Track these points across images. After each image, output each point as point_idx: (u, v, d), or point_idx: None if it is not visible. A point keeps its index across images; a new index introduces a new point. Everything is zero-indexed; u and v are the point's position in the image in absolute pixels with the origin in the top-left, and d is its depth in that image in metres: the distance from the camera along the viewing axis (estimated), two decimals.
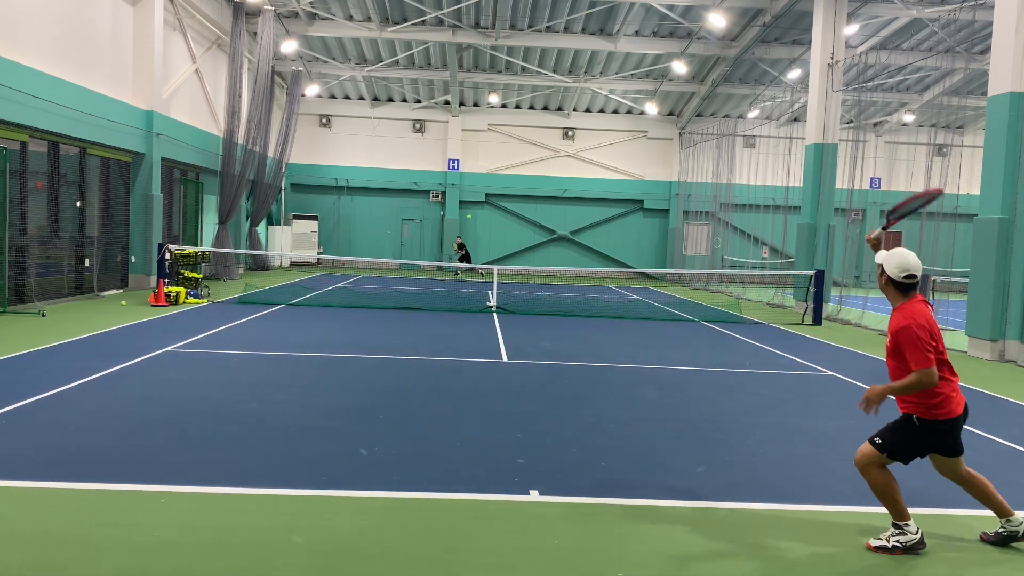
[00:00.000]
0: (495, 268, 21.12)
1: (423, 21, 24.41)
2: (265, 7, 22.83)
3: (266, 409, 7.04)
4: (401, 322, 13.87)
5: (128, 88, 17.58)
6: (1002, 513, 4.45)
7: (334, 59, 28.09)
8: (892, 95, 29.21)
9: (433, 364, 9.81)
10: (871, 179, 31.45)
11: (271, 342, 10.94)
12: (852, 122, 26.17)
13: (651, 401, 8.20)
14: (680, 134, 32.20)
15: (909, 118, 29.83)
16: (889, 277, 4.37)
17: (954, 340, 13.74)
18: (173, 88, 19.78)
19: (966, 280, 13.03)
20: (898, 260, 4.33)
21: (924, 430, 4.33)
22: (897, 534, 4.34)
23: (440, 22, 24.61)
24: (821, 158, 19.38)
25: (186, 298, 15.32)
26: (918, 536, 4.32)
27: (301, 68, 27.44)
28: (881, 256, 4.45)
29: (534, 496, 5.02)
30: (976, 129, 30.32)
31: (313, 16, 24.64)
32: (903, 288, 4.37)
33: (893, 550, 4.30)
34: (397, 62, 28.05)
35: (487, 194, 32.08)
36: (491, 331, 13.12)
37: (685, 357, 11.21)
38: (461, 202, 31.90)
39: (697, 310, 18.79)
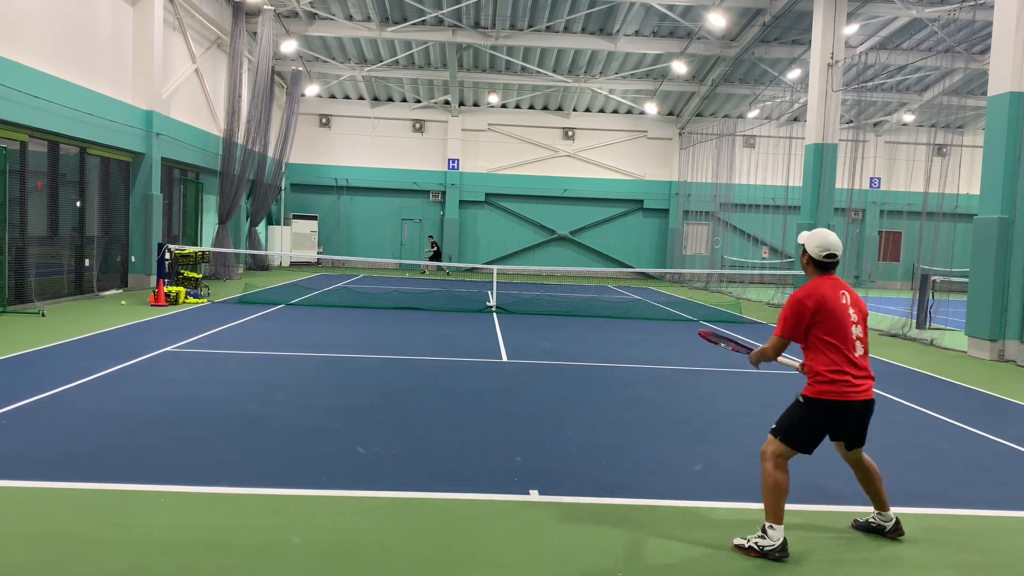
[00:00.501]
0: (495, 268, 21.15)
1: (423, 21, 24.41)
2: (265, 7, 22.83)
3: (266, 409, 7.04)
4: (401, 322, 13.87)
5: (128, 88, 17.58)
6: (881, 507, 4.55)
7: (334, 59, 28.09)
8: (892, 95, 29.21)
9: (433, 364, 9.81)
10: (871, 179, 31.44)
11: (271, 342, 10.94)
12: (852, 122, 26.18)
13: (651, 401, 8.20)
14: (680, 134, 32.20)
15: (909, 118, 29.82)
16: (810, 256, 4.42)
17: (954, 340, 13.75)
18: (173, 88, 19.78)
19: (966, 280, 13.02)
20: (819, 240, 4.39)
21: (808, 406, 4.30)
22: (760, 536, 4.22)
23: (440, 22, 24.61)
24: (821, 158, 19.39)
25: (186, 298, 15.32)
26: (777, 544, 4.17)
27: (301, 68, 27.44)
28: (803, 236, 4.48)
29: (534, 496, 5.02)
30: (976, 129, 30.32)
31: (313, 16, 24.64)
32: (822, 267, 4.41)
33: (749, 551, 4.20)
34: (397, 62, 28.05)
35: (487, 194, 32.08)
36: (491, 331, 13.12)
37: (685, 357, 11.21)
38: (461, 202, 31.90)
39: (697, 310, 18.79)
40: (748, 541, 4.25)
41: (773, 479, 4.26)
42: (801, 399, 4.35)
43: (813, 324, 4.28)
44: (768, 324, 16.14)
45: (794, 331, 4.34)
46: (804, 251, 4.46)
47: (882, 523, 4.55)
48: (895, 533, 4.52)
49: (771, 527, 4.22)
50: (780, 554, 4.17)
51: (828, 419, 4.31)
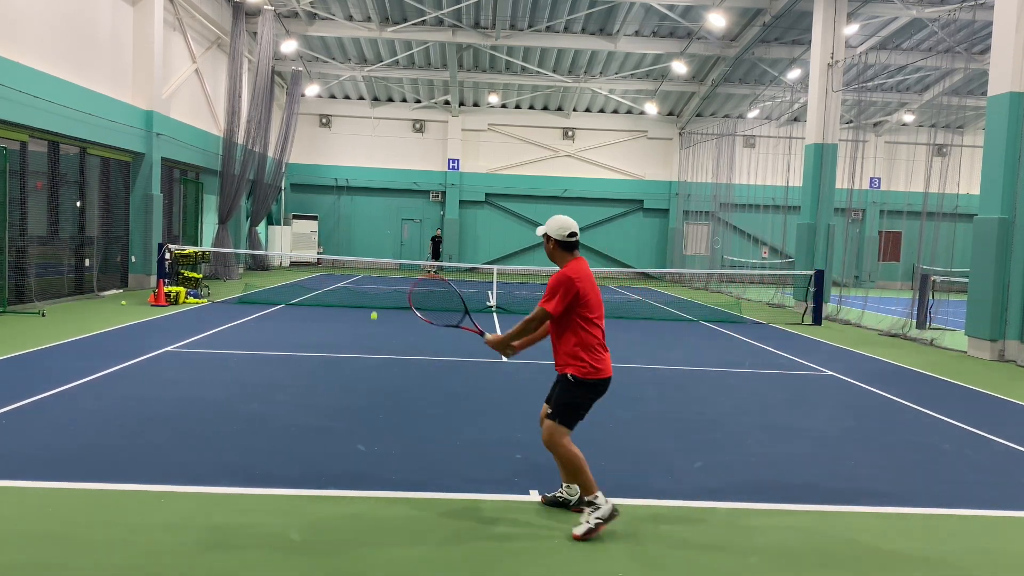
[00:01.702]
0: (495, 268, 21.15)
1: (423, 21, 24.41)
2: (265, 7, 22.83)
3: (266, 409, 7.04)
4: (401, 322, 13.86)
5: (128, 88, 17.58)
6: (587, 491, 4.48)
7: (334, 59, 28.09)
8: (892, 95, 29.22)
9: (433, 364, 9.81)
10: (871, 179, 31.45)
11: (271, 342, 10.94)
12: (852, 122, 26.17)
13: (651, 401, 8.20)
14: (680, 134, 32.20)
15: (909, 118, 29.82)
16: (555, 240, 4.60)
17: (954, 340, 13.76)
18: (173, 88, 19.78)
19: (966, 280, 13.02)
20: (559, 223, 4.63)
21: (581, 387, 4.47)
22: (592, 511, 4.36)
23: (440, 22, 24.61)
24: (821, 158, 19.38)
25: (186, 298, 15.32)
26: (610, 505, 4.37)
27: (301, 68, 27.44)
28: (541, 229, 4.69)
29: (534, 496, 5.02)
30: (976, 129, 30.31)
31: (313, 16, 24.64)
32: (568, 247, 4.63)
33: (596, 528, 4.31)
34: (397, 62, 28.05)
35: (487, 194, 32.09)
36: (491, 331, 13.08)
37: (685, 357, 11.21)
38: (461, 202, 31.91)
39: (697, 310, 18.79)
40: (590, 521, 4.32)
41: (574, 459, 4.46)
42: (572, 379, 4.47)
43: (577, 304, 4.44)
44: (769, 324, 16.15)
45: (565, 307, 4.45)
46: (548, 238, 4.64)
47: (568, 496, 4.74)
48: (579, 507, 4.57)
49: (595, 497, 4.40)
50: (614, 512, 4.39)
51: (596, 395, 4.53)
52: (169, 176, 20.14)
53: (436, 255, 30.11)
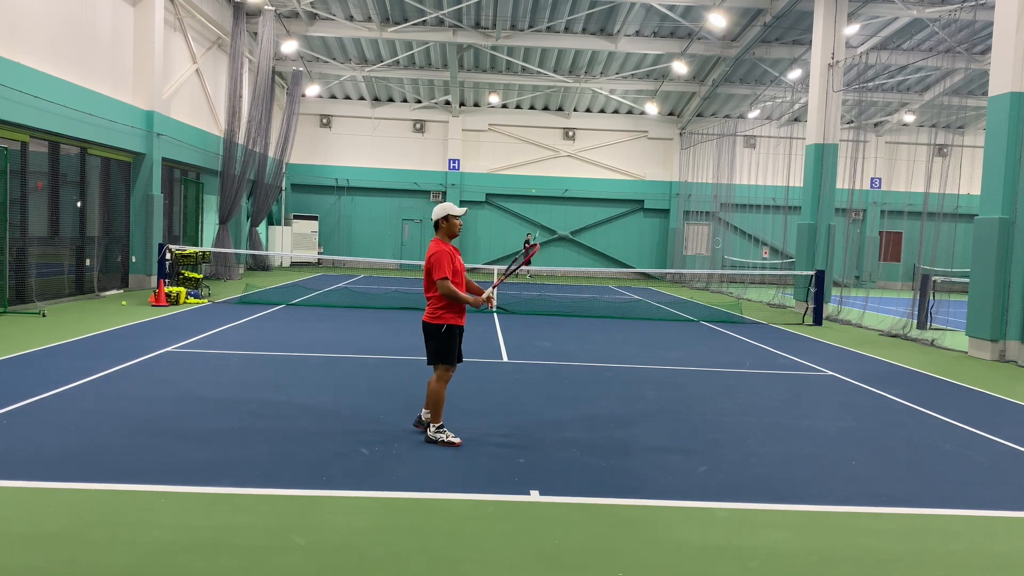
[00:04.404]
0: (495, 268, 21.17)
1: (423, 21, 24.42)
2: (265, 7, 22.83)
3: (266, 409, 7.04)
4: (401, 322, 13.86)
5: (128, 88, 17.58)
6: (438, 420, 6.16)
7: (334, 59, 28.10)
8: (892, 95, 29.21)
9: None
10: (871, 179, 31.47)
11: (271, 342, 10.94)
12: (852, 122, 26.18)
13: (651, 401, 8.20)
14: (680, 134, 32.20)
15: (909, 118, 29.81)
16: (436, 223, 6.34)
17: (955, 340, 13.76)
18: (173, 88, 19.78)
19: (966, 280, 13.02)
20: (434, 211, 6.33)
21: (451, 332, 6.10)
22: (442, 433, 6.07)
23: (440, 22, 24.62)
24: (821, 158, 19.38)
25: (186, 298, 15.33)
26: (456, 438, 6.09)
27: (301, 68, 27.44)
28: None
29: (534, 496, 5.02)
30: (976, 129, 30.32)
31: (313, 16, 24.65)
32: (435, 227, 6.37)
33: (448, 444, 6.01)
34: (397, 62, 28.05)
35: (487, 194, 32.09)
36: (491, 331, 13.11)
37: (685, 357, 11.21)
38: (462, 202, 31.91)
39: (697, 310, 18.79)
40: (446, 437, 6.05)
41: (442, 395, 6.12)
42: (444, 328, 6.07)
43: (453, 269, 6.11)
44: (769, 324, 16.15)
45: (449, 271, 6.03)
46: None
47: (421, 418, 6.38)
48: (420, 426, 6.36)
49: (441, 425, 6.13)
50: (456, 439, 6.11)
51: (458, 337, 6.19)
52: (169, 176, 20.15)
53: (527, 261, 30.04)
